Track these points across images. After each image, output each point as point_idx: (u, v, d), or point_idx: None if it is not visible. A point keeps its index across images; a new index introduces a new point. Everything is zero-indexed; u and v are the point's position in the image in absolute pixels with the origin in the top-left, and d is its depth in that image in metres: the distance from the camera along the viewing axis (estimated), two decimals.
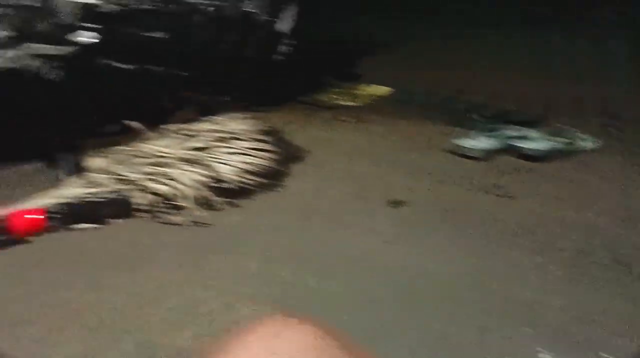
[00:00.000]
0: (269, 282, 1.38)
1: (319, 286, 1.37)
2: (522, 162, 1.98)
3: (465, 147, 2.02)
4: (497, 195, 1.78)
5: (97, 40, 1.90)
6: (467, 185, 1.84)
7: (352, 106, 2.57)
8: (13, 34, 1.80)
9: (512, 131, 2.11)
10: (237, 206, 1.73)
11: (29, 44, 1.84)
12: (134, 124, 1.89)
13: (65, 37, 1.88)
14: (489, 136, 2.10)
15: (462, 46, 3.16)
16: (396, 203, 1.74)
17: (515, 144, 2.03)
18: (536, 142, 2.02)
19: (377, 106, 2.55)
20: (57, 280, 1.39)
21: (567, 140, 2.04)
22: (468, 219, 1.65)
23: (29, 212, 1.58)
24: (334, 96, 2.68)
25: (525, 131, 2.08)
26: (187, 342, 1.18)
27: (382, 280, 1.40)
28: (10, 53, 1.81)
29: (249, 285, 1.37)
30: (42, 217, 1.58)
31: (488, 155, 2.01)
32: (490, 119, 2.26)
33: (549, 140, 2.05)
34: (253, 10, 2.26)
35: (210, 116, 1.99)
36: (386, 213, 1.70)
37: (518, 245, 1.53)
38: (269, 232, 1.60)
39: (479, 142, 2.05)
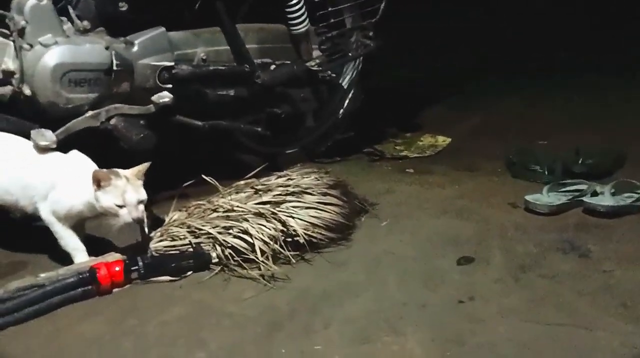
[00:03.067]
0: None
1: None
2: (591, 218, 1.96)
3: (532, 202, 2.01)
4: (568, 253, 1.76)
5: (172, 100, 2.03)
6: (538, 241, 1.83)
7: (416, 157, 2.61)
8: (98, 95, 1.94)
9: (581, 186, 2.09)
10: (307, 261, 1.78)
11: (114, 104, 1.99)
12: (210, 180, 1.98)
13: (146, 97, 2.02)
14: (557, 191, 2.08)
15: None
16: (467, 261, 1.75)
17: (585, 200, 2.00)
18: (606, 197, 1.98)
19: (439, 157, 2.59)
20: None
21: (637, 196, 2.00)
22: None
23: (112, 264, 1.68)
24: (398, 147, 2.73)
25: (594, 186, 2.05)
26: None
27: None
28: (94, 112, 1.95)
29: None
30: (121, 269, 1.67)
31: (557, 210, 1.99)
32: (558, 173, 2.24)
33: (619, 195, 2.02)
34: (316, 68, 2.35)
35: (281, 171, 2.07)
36: (457, 271, 1.71)
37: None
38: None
39: (546, 197, 2.03)
